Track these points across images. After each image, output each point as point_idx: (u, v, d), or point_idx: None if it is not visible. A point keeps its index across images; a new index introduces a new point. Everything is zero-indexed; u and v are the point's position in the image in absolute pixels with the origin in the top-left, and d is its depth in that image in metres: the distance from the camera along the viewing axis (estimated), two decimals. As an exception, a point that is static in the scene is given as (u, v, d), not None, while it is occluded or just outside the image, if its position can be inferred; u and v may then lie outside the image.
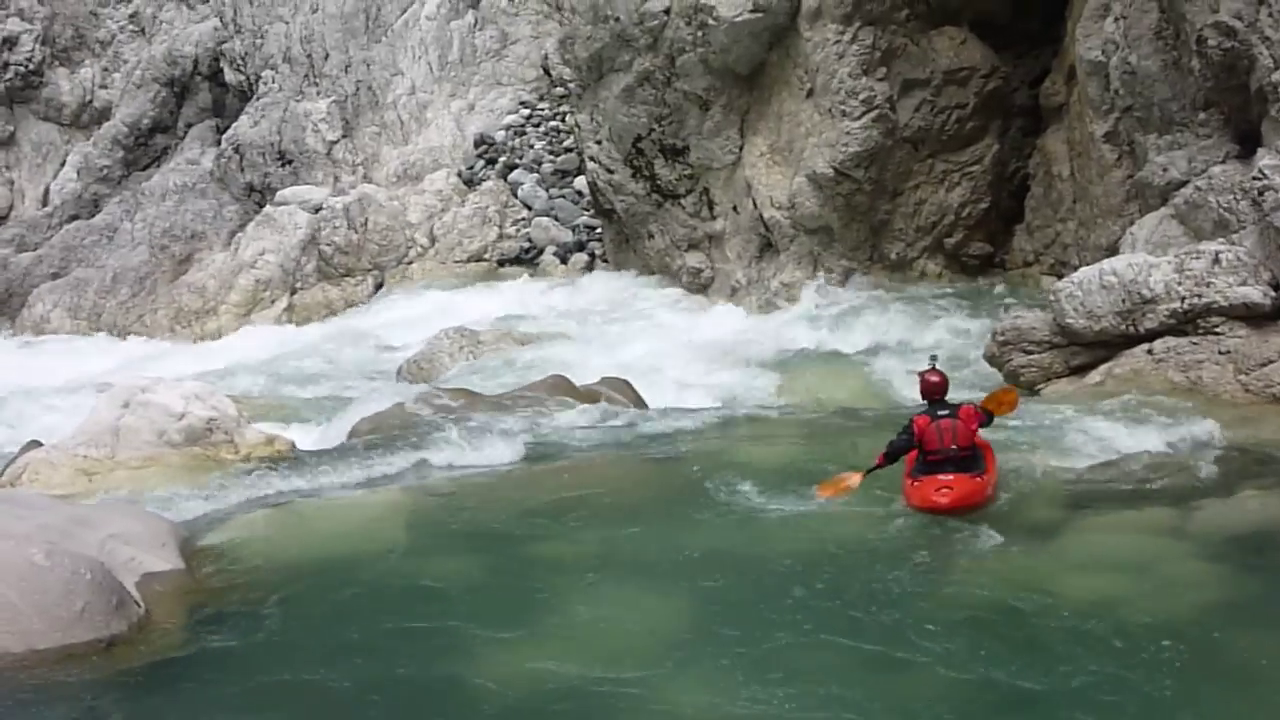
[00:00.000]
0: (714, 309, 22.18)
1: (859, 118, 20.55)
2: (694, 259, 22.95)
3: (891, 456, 12.33)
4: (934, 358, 13.35)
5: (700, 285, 22.83)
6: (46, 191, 36.39)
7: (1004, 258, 21.37)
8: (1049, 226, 20.26)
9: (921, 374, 13.02)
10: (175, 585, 10.21)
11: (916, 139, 20.95)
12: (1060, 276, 16.63)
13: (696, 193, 22.71)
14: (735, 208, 22.19)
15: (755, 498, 11.72)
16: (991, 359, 15.53)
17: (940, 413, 12.52)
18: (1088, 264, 15.68)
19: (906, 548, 10.50)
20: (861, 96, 20.52)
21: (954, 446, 12.37)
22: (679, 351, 19.69)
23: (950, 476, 11.90)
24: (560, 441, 14.18)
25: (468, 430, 14.39)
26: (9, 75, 37.63)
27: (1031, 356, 15.03)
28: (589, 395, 16.29)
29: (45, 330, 27.13)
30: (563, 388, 16.41)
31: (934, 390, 12.77)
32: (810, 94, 20.90)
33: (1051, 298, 14.90)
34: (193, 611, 9.70)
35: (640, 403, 16.32)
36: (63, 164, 36.58)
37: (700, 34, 21.40)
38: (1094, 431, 12.62)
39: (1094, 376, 14.41)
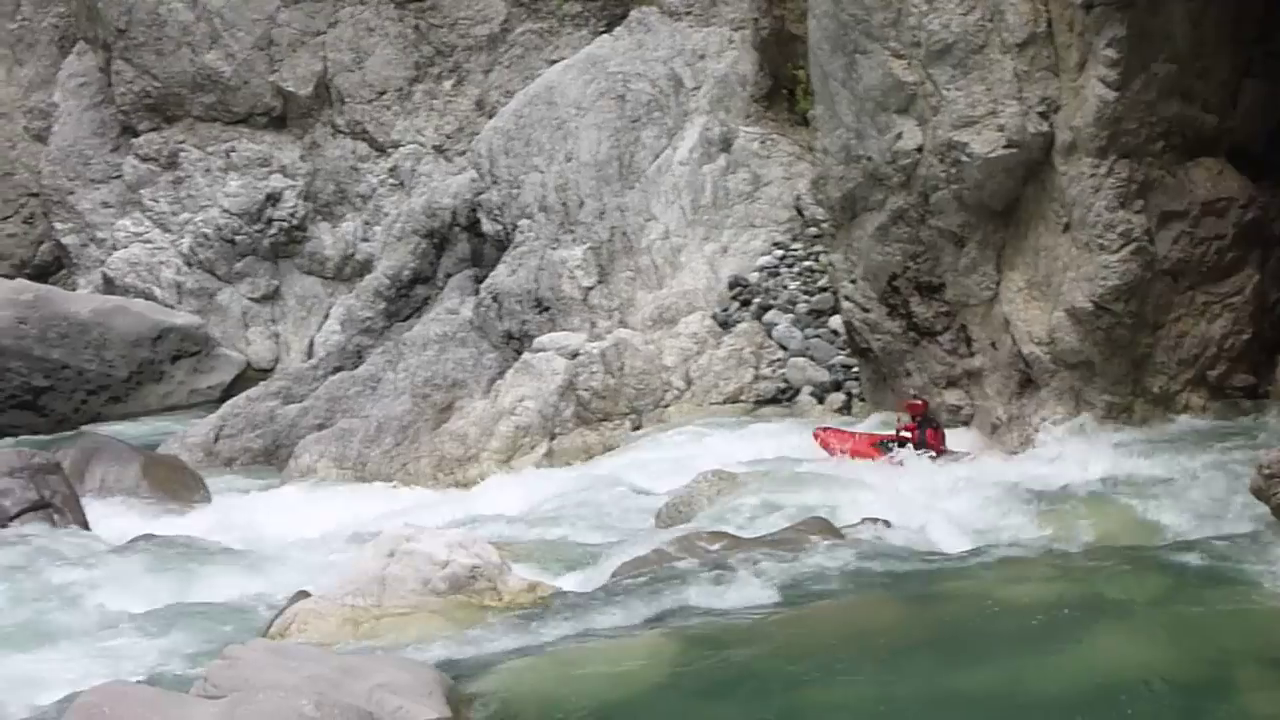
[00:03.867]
0: (972, 446, 22.19)
1: (1117, 251, 20.63)
2: (952, 396, 23.09)
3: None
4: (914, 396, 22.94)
5: (959, 423, 22.89)
6: (311, 344, 37.56)
7: (1268, 389, 21.20)
8: (1312, 356, 20.13)
9: (909, 402, 22.51)
10: (442, 735, 10.51)
11: (1176, 271, 20.97)
12: (1326, 407, 16.58)
13: (953, 330, 22.87)
14: (994, 344, 22.30)
15: (1019, 637, 11.83)
16: (1258, 492, 15.50)
17: (930, 425, 21.85)
18: (1353, 393, 15.63)
19: (1183, 686, 10.52)
20: (1119, 229, 20.62)
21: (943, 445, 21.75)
22: (939, 490, 19.73)
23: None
24: (821, 584, 14.42)
25: (728, 573, 14.68)
26: (273, 231, 39.15)
27: (1299, 488, 14.99)
28: (849, 537, 16.45)
29: (311, 480, 27.68)
30: (823, 529, 16.59)
31: (922, 410, 22.14)
32: (1067, 228, 21.04)
33: (1317, 428, 14.89)
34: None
35: (899, 544, 16.41)
36: (326, 316, 37.77)
37: (954, 170, 21.70)
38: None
39: (1362, 507, 14.35)
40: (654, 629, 13.29)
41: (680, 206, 30.08)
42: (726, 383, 27.24)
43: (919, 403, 22.36)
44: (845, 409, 25.96)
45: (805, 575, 14.63)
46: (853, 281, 24.20)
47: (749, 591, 14.15)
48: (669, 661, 12.25)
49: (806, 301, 27.98)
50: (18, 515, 22.86)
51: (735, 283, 28.83)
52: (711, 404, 27.04)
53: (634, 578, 15.22)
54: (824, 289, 27.70)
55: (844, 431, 23.34)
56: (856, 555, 15.45)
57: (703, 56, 32.03)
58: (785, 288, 28.40)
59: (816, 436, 23.26)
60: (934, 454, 21.53)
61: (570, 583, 16.23)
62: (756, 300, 28.29)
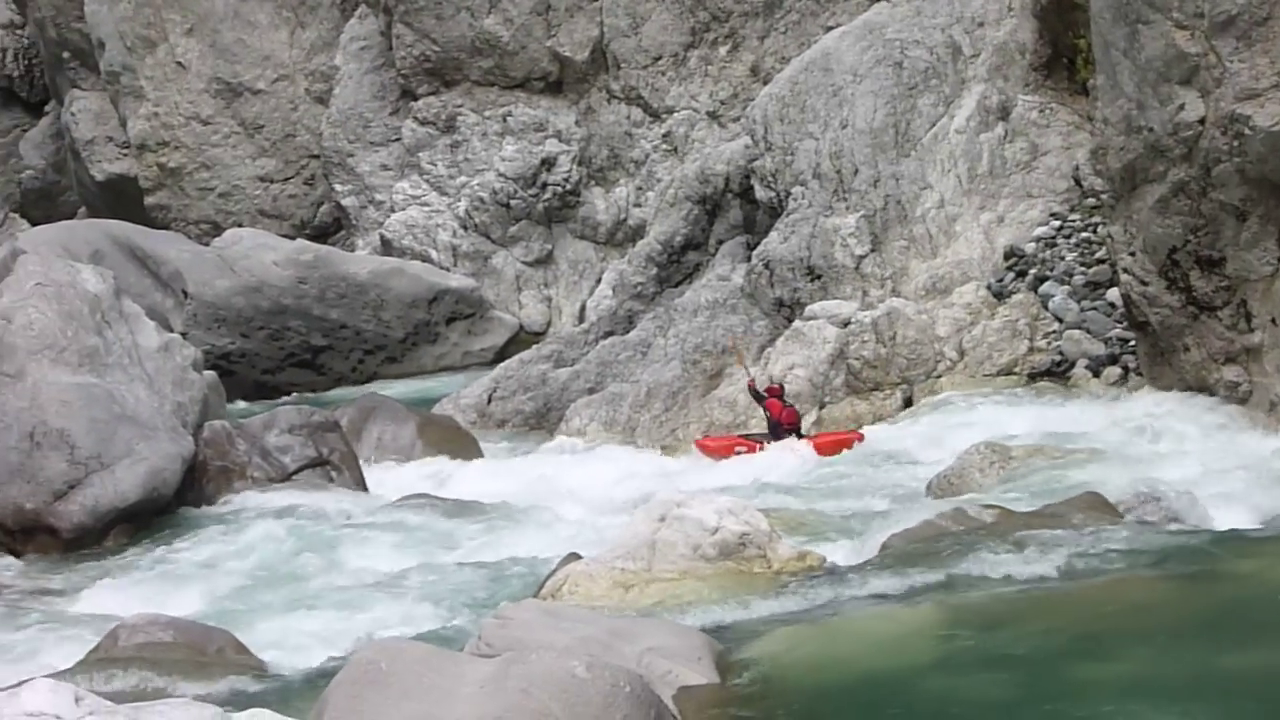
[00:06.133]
0: (1253, 424, 22.03)
1: (1400, 228, 20.37)
2: (1231, 372, 22.97)
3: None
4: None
5: (1238, 399, 22.77)
6: (583, 308, 38.33)
7: None
8: None
9: (769, 388, 26.09)
10: (711, 699, 11.00)
11: None
12: None
13: (1233, 305, 22.74)
14: (1274, 320, 22.17)
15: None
16: None
17: (786, 401, 25.77)
18: None
19: None
20: (1401, 206, 20.36)
21: (795, 421, 25.73)
22: (1217, 468, 19.65)
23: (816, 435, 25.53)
24: (1093, 560, 14.53)
25: (999, 547, 14.85)
26: (548, 195, 40.04)
27: None
28: (1123, 513, 16.51)
29: (582, 443, 28.22)
30: (1097, 505, 16.67)
31: (780, 391, 25.97)
32: (1348, 204, 20.82)
33: None
34: (727, 727, 10.33)
35: (1176, 521, 16.39)
36: (598, 281, 38.53)
37: (1236, 144, 21.61)
38: None
39: None
40: (923, 601, 13.50)
41: (956, 175, 30.20)
42: (1000, 354, 27.30)
43: (775, 386, 26.47)
44: (1121, 383, 25.86)
45: (1078, 550, 14.70)
46: (1131, 254, 24.14)
47: (1020, 566, 14.28)
48: (937, 633, 12.45)
49: (1083, 273, 27.92)
50: (297, 471, 24.01)
51: (1011, 253, 28.90)
52: (984, 375, 27.12)
53: (904, 549, 15.46)
54: (1102, 261, 27.62)
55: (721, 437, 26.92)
56: (1130, 531, 15.49)
57: (981, 24, 32.04)
58: (1062, 259, 28.37)
59: (698, 444, 26.60)
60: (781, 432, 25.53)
61: (840, 552, 16.52)
62: (1032, 271, 28.32)
